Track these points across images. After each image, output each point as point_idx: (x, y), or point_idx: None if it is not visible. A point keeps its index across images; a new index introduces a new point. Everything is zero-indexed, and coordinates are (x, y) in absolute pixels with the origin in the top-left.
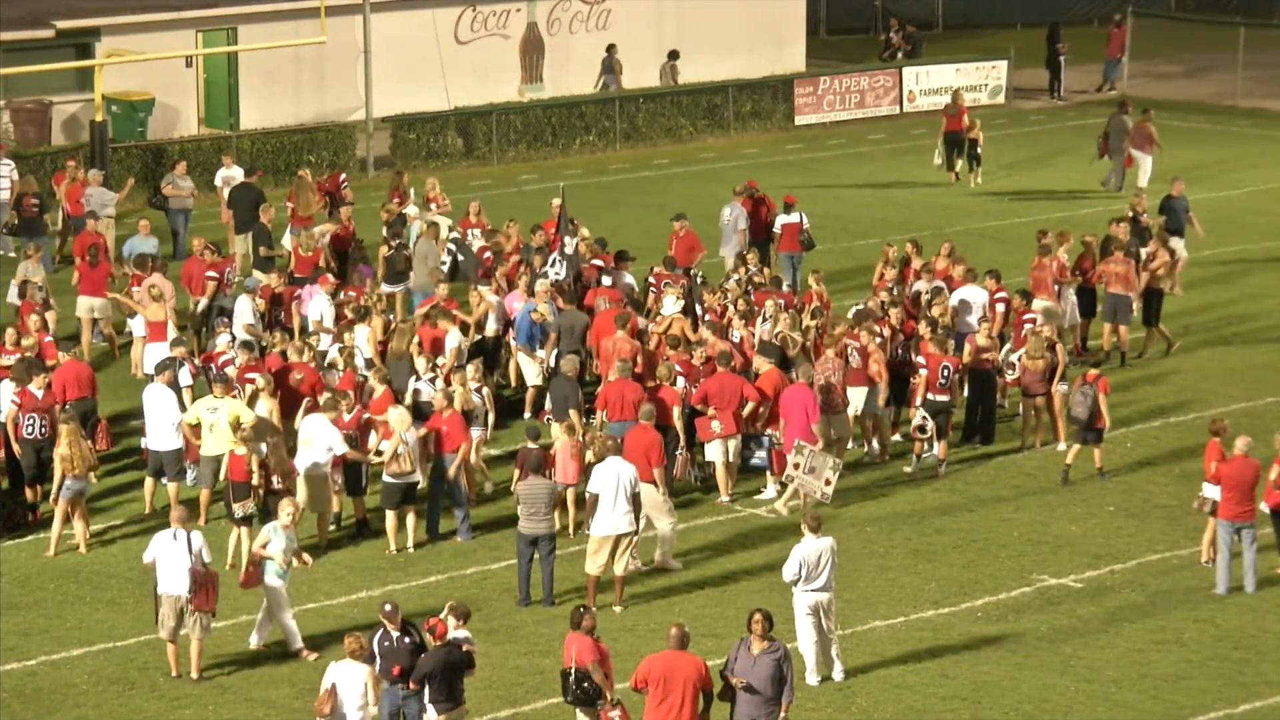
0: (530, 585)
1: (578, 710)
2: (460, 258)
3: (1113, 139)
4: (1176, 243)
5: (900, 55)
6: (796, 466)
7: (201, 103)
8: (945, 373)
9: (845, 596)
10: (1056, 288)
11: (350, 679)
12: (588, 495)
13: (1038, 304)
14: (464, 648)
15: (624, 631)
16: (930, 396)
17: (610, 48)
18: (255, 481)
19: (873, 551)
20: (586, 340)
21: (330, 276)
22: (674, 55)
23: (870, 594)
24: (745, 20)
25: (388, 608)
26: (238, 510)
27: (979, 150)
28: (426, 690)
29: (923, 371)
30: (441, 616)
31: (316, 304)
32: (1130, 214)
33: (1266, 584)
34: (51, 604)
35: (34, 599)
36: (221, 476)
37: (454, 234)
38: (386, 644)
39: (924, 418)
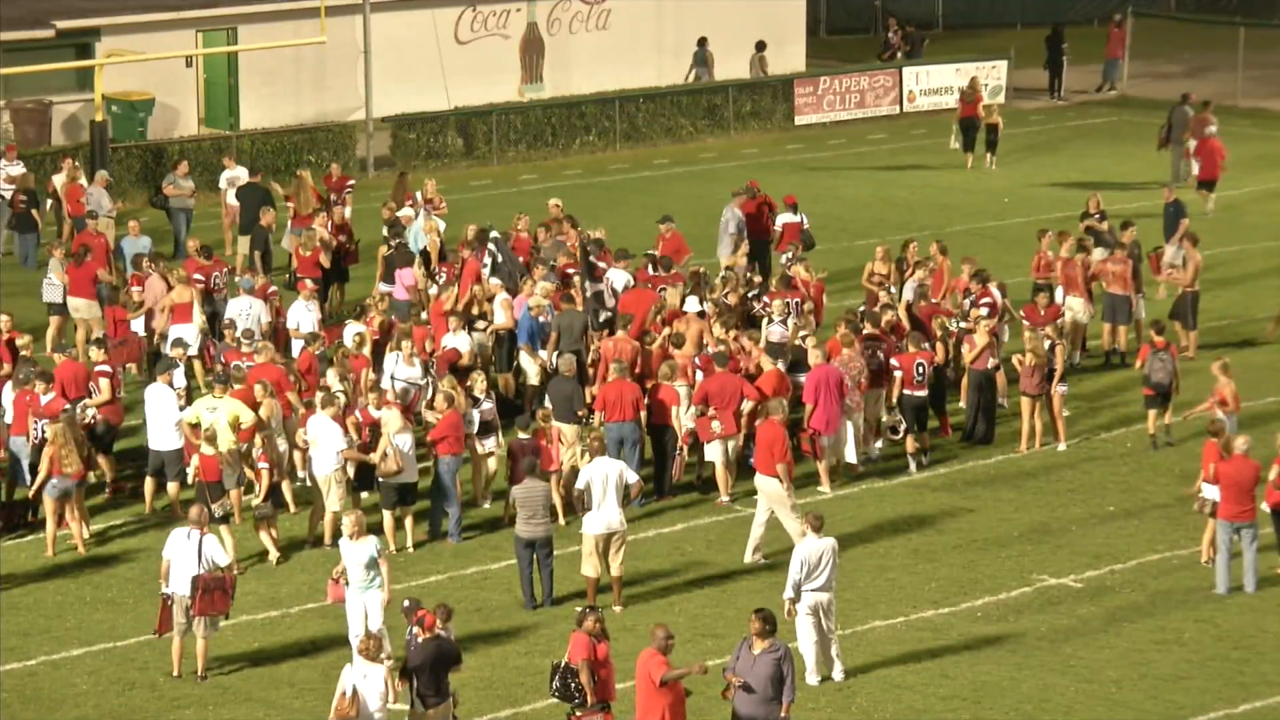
0: (533, 587)
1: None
2: (500, 258)
3: (1175, 130)
4: (1170, 250)
5: (899, 55)
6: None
7: (201, 103)
8: (920, 370)
9: (845, 596)
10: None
11: (370, 680)
12: (575, 493)
13: (1071, 301)
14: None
15: (624, 631)
16: (906, 392)
17: (702, 41)
18: (263, 478)
19: (873, 551)
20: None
21: (309, 283)
22: (761, 46)
23: (870, 594)
24: (745, 20)
25: (406, 604)
26: (216, 510)
27: (997, 136)
28: (415, 683)
29: (897, 373)
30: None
31: (295, 310)
32: (1084, 212)
33: (1266, 584)
34: (51, 604)
35: (34, 599)
36: (191, 478)
37: (495, 234)
38: (408, 640)
39: (897, 419)
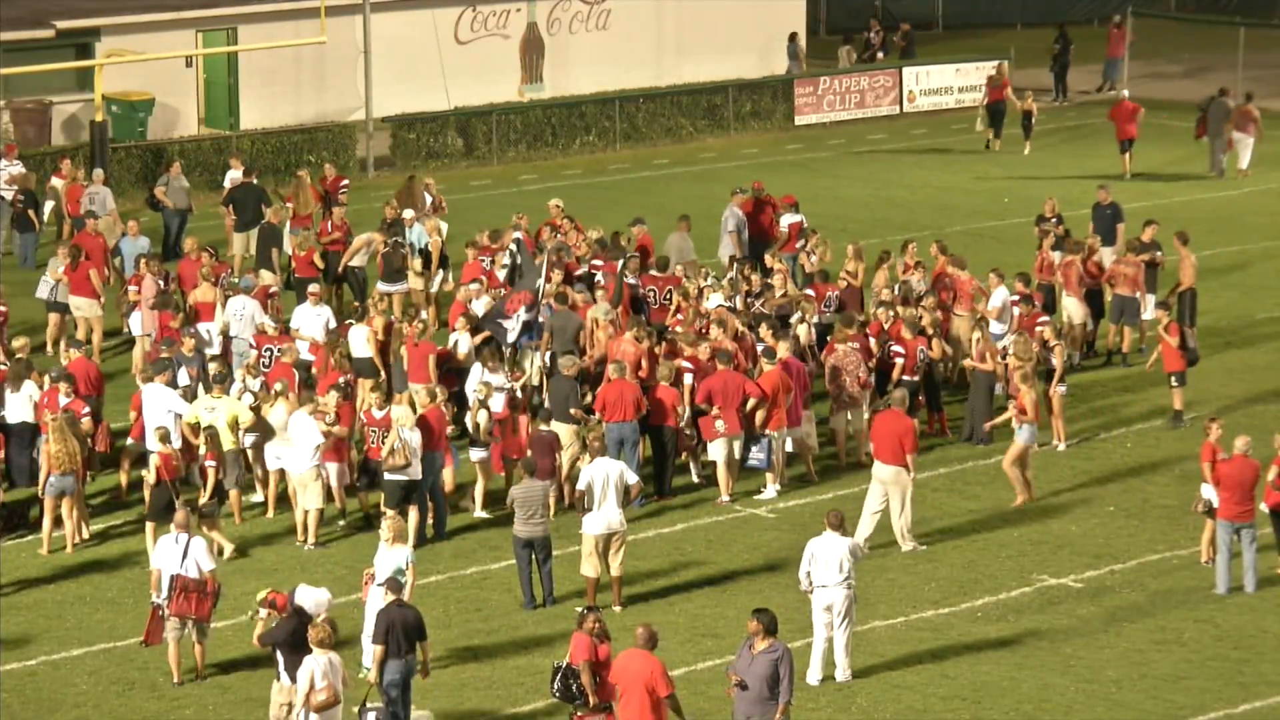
0: (532, 587)
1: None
2: (519, 260)
3: (1211, 123)
4: (1105, 252)
5: (880, 55)
6: None
7: (201, 103)
8: (921, 354)
9: None
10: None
11: (334, 667)
12: (576, 493)
13: (1066, 302)
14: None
15: (624, 632)
16: (903, 378)
17: (793, 36)
18: (208, 477)
19: (873, 551)
20: (580, 340)
21: (316, 288)
22: (848, 39)
23: (870, 594)
24: (745, 20)
25: (385, 583)
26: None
27: (1032, 121)
28: (280, 660)
29: (899, 360)
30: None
31: (301, 314)
32: (1040, 215)
33: (1266, 584)
34: (51, 604)
35: (34, 599)
36: (154, 478)
37: (517, 235)
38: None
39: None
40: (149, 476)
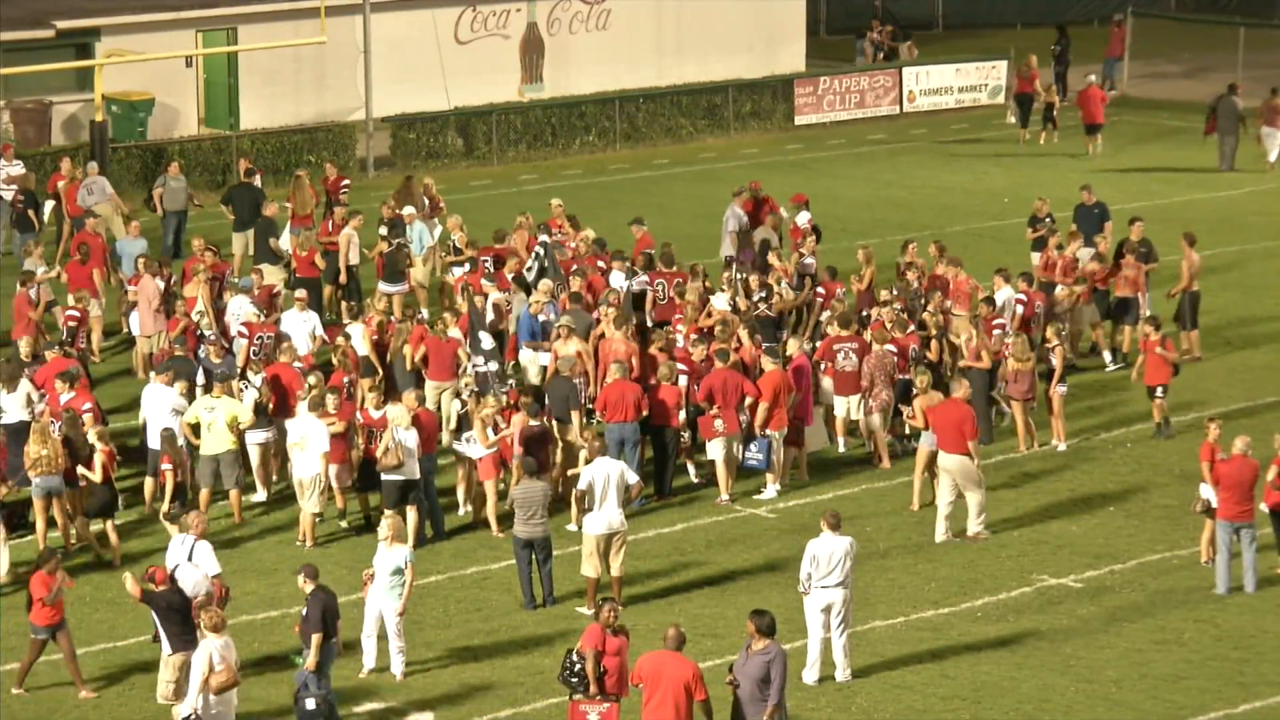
0: (532, 587)
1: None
2: (546, 262)
3: (1221, 120)
4: (1085, 252)
5: (881, 56)
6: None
7: (201, 103)
8: (911, 353)
9: None
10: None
11: (229, 649)
12: (575, 494)
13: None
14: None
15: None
16: (899, 376)
17: (862, 31)
18: (167, 480)
19: (873, 552)
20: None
21: (302, 293)
22: (907, 35)
23: (870, 594)
24: (745, 20)
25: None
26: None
27: (1055, 113)
28: (162, 630)
29: (895, 357)
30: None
31: (288, 320)
32: (1033, 216)
33: (1266, 584)
34: None
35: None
36: (98, 477)
37: (544, 238)
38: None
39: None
40: (94, 475)
